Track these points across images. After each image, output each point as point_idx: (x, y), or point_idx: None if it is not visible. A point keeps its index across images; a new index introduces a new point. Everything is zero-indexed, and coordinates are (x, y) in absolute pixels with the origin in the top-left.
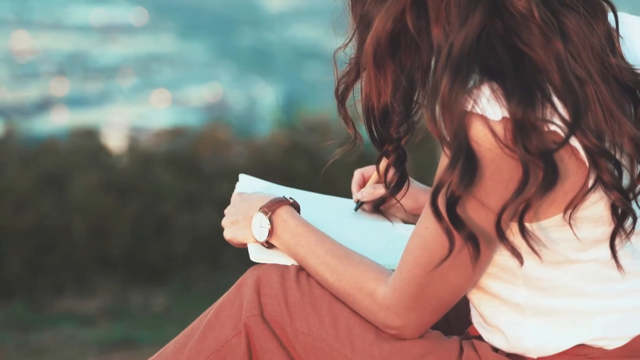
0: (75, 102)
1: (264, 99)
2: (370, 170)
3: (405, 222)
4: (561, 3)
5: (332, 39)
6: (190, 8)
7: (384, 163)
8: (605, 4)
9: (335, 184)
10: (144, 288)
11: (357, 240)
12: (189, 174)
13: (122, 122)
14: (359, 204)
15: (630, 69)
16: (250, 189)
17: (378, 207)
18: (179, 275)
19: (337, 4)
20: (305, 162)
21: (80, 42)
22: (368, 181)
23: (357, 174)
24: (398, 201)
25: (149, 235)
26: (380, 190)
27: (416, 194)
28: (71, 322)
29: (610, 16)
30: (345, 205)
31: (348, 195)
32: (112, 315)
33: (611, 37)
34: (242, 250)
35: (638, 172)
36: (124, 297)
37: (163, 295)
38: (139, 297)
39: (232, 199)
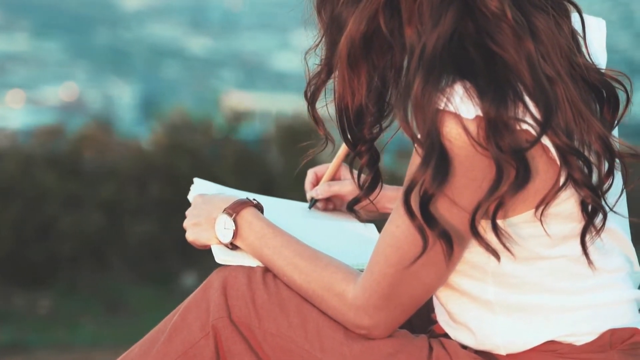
0: None
1: (121, 97)
2: (322, 169)
3: (361, 219)
4: (531, 4)
5: (189, 37)
6: (44, 7)
7: (337, 163)
8: (569, 5)
9: (217, 182)
10: (28, 291)
11: (319, 242)
12: (70, 175)
13: None
14: (313, 202)
15: (596, 68)
16: (205, 192)
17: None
18: (64, 276)
19: (192, 3)
20: (187, 161)
21: None
22: (321, 179)
23: (310, 173)
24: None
25: (32, 237)
26: (335, 188)
27: None
28: None
29: (574, 17)
30: (301, 207)
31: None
32: None
33: (576, 38)
34: (127, 251)
35: (605, 169)
36: (8, 300)
37: (48, 297)
38: (23, 300)
39: (194, 201)
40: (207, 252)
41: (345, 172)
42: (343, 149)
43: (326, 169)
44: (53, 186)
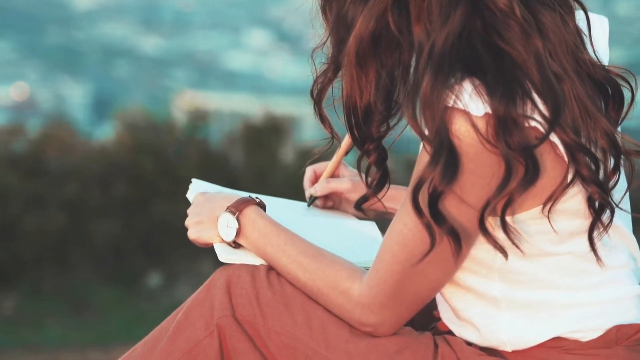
0: None
1: (73, 97)
2: (321, 167)
3: (369, 217)
4: (538, 1)
5: (141, 36)
6: None
7: (335, 161)
8: (574, 2)
9: (182, 182)
10: None
11: (321, 240)
12: (32, 175)
13: None
14: (312, 200)
15: (601, 65)
16: (205, 191)
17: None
18: (28, 277)
19: (144, 2)
20: (149, 161)
21: None
22: (320, 177)
23: (309, 170)
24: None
25: None
26: (334, 184)
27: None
28: None
29: (578, 14)
30: (301, 206)
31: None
32: None
33: (580, 34)
34: (91, 251)
35: (611, 166)
36: None
37: (12, 298)
38: None
39: (195, 199)
40: (171, 251)
41: (343, 169)
42: (342, 146)
43: (325, 167)
44: (15, 186)
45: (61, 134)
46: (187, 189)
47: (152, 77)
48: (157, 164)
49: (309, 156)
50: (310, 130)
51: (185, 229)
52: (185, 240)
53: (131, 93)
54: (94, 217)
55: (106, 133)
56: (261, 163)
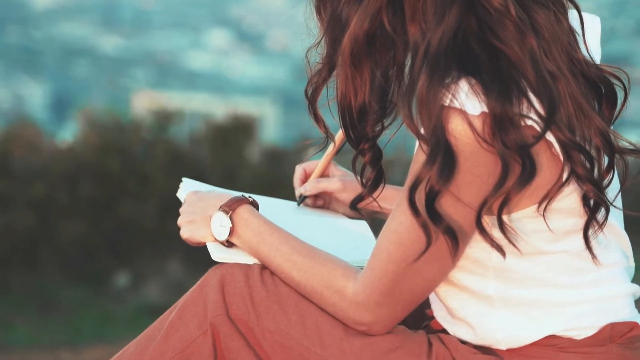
0: None
1: (32, 97)
2: (312, 165)
3: (348, 216)
4: None
5: (101, 36)
6: None
7: (326, 160)
8: (567, 1)
9: (150, 182)
10: None
11: (313, 239)
12: None
13: None
14: (302, 199)
15: (595, 64)
16: (197, 190)
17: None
18: None
19: (103, 1)
20: (118, 161)
21: None
22: (310, 176)
23: (299, 168)
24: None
25: None
26: (324, 184)
27: (357, 187)
28: None
29: (571, 13)
30: (292, 205)
31: (165, 191)
32: None
33: (574, 33)
34: (59, 251)
35: (605, 164)
36: None
37: None
38: None
39: (187, 198)
40: (139, 251)
41: (333, 169)
42: (332, 146)
43: (315, 166)
44: None
45: (26, 134)
46: (154, 188)
47: (112, 77)
48: (124, 163)
49: (275, 155)
50: (272, 130)
51: (153, 228)
52: (153, 240)
53: (91, 93)
54: (62, 217)
55: (67, 132)
56: (228, 162)
